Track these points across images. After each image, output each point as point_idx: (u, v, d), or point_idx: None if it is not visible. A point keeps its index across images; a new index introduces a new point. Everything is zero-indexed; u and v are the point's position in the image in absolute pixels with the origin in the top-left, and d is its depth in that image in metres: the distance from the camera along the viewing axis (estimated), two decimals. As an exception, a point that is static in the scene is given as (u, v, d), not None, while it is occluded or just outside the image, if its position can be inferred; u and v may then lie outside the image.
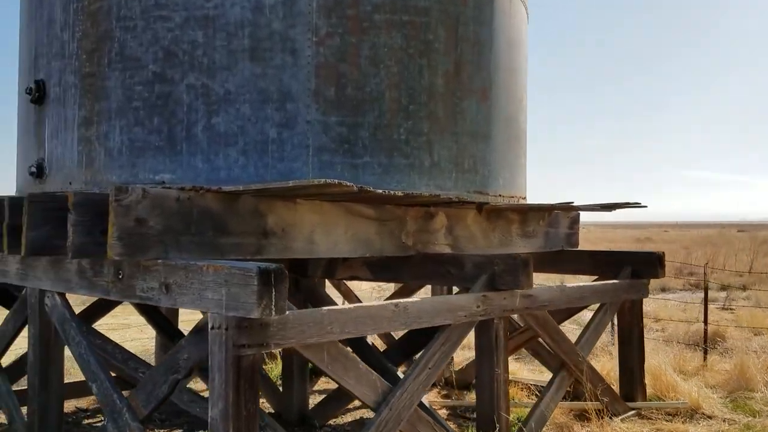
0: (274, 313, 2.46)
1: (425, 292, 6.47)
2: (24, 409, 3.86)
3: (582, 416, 4.87)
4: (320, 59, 3.40)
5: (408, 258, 4.18)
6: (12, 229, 3.51)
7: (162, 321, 5.02)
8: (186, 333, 4.28)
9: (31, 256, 3.28)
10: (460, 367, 6.50)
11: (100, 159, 3.53)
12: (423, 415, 3.51)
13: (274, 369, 6.33)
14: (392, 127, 3.56)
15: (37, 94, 3.75)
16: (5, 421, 4.54)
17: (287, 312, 2.63)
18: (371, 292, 12.34)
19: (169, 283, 2.82)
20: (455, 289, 5.03)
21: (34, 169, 3.76)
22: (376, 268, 4.45)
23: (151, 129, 3.41)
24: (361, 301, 5.84)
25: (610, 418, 4.78)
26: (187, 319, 6.64)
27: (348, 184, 2.69)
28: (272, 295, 2.46)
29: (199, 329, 2.86)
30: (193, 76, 3.36)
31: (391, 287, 9.85)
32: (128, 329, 8.82)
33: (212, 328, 2.62)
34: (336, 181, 2.68)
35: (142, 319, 5.59)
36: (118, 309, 5.74)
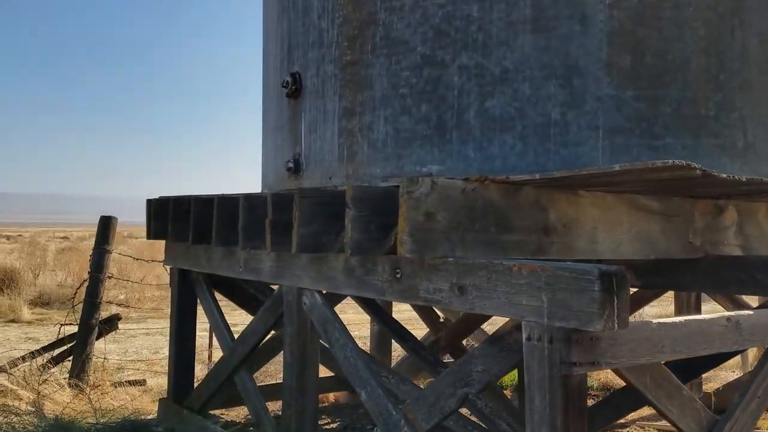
0: (617, 326, 2.01)
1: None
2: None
3: None
4: (614, 24, 2.91)
5: (689, 261, 3.54)
6: (274, 226, 3.44)
7: (380, 312, 4.84)
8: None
9: (301, 253, 3.13)
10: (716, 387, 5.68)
11: (362, 152, 3.33)
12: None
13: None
14: (699, 101, 2.97)
15: (293, 87, 3.65)
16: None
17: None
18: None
19: (464, 285, 2.48)
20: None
21: (291, 165, 3.66)
22: (645, 273, 3.86)
23: (419, 117, 3.14)
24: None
25: None
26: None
27: (693, 165, 2.17)
28: (614, 305, 2.01)
29: (499, 338, 2.49)
30: (466, 56, 3.03)
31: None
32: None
33: (528, 339, 2.23)
34: (677, 161, 2.17)
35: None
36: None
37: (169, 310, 5.30)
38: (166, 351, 10.00)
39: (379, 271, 2.94)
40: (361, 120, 3.32)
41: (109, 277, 6.05)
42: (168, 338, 5.17)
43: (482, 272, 2.40)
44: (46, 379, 5.55)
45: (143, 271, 18.90)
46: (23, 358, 5.98)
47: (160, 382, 7.46)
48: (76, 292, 5.97)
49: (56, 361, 6.00)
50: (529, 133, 2.94)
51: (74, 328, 6.07)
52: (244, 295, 5.30)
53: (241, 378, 4.24)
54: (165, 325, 12.44)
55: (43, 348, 6.18)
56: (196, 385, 4.98)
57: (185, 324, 5.06)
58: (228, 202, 4.01)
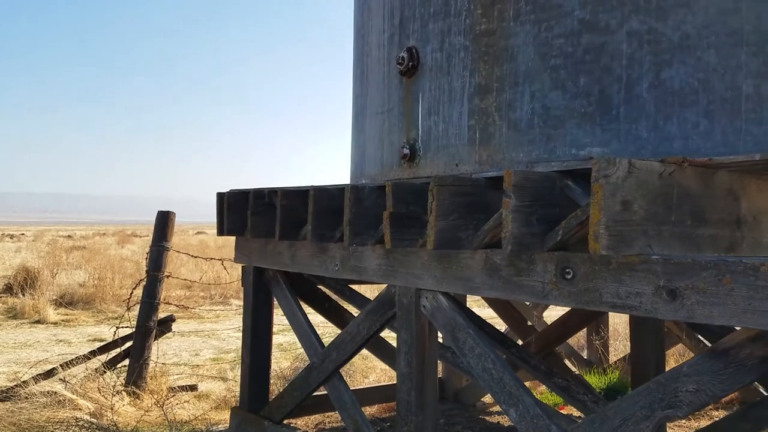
0: None
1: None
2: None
3: None
4: (821, -19, 2.47)
5: None
6: (395, 220, 3.03)
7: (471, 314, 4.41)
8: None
9: (439, 249, 2.72)
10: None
11: (500, 133, 2.90)
12: None
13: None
14: None
15: (410, 64, 3.24)
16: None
17: None
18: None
19: (677, 288, 2.05)
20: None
21: (407, 151, 3.24)
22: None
23: (576, 92, 2.71)
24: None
25: None
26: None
27: None
28: None
29: (723, 352, 2.06)
30: (636, 20, 2.60)
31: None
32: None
33: (787, 355, 1.80)
34: None
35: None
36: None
37: (199, 310, 4.93)
38: (206, 353, 9.71)
39: (539, 270, 2.52)
40: (499, 97, 2.90)
41: (167, 276, 5.67)
42: (241, 343, 4.77)
43: (708, 272, 1.97)
44: (102, 387, 5.18)
45: (169, 269, 18.55)
46: (74, 362, 5.63)
47: (211, 387, 7.10)
48: (132, 293, 5.59)
49: (110, 365, 5.64)
50: (716, 108, 2.51)
51: (105, 330, 5.71)
52: (316, 295, 4.91)
53: (335, 387, 3.84)
54: (196, 326, 12.19)
55: (93, 351, 5.82)
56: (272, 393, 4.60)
57: (261, 327, 4.67)
58: (324, 194, 3.61)
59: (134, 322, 5.57)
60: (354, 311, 5.42)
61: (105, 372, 5.45)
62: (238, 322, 12.50)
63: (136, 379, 5.37)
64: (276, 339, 9.32)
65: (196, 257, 6.54)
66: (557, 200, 2.49)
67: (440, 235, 2.68)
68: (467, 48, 3.01)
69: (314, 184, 3.81)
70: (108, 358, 5.59)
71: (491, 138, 2.92)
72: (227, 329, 11.74)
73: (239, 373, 8.23)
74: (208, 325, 12.17)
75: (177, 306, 6.41)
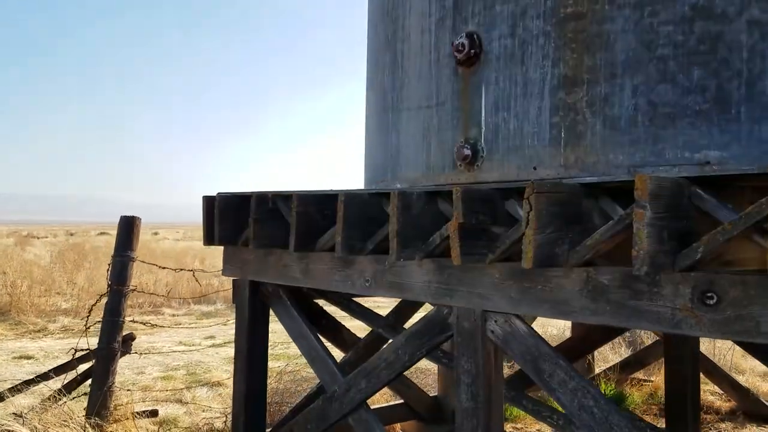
0: None
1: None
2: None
3: None
4: None
5: None
6: (465, 231, 2.60)
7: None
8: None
9: (539, 267, 2.31)
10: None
11: (593, 132, 2.53)
12: None
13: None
14: None
15: (471, 52, 2.81)
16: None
17: None
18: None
19: None
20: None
21: (467, 152, 2.82)
22: None
23: (688, 87, 2.37)
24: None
25: None
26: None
27: None
28: None
29: None
30: (757, 8, 2.29)
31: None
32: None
33: None
34: None
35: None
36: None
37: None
38: (152, 371, 8.89)
39: (667, 294, 2.15)
40: (591, 91, 2.52)
41: (133, 290, 4.99)
42: (234, 368, 4.19)
43: None
44: (63, 420, 4.46)
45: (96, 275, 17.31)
46: (25, 385, 4.87)
47: (171, 412, 6.42)
48: (90, 310, 4.88)
49: (66, 390, 4.91)
50: None
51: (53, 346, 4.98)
52: (312, 310, 4.41)
53: (363, 421, 3.36)
54: (144, 340, 11.28)
55: (43, 375, 5.05)
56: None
57: (257, 350, 4.12)
58: (356, 199, 3.13)
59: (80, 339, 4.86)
60: (357, 328, 4.96)
61: (61, 399, 4.72)
62: (177, 334, 11.66)
63: (99, 408, 4.67)
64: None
65: (164, 268, 5.83)
66: (686, 212, 2.14)
67: (539, 251, 2.28)
68: (548, 34, 2.61)
69: (344, 188, 3.32)
70: (64, 383, 4.86)
71: (581, 138, 2.54)
72: (167, 342, 10.91)
73: (198, 394, 7.56)
74: (143, 338, 11.26)
75: (143, 324, 5.68)
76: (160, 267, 5.74)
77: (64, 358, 9.76)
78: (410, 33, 3.22)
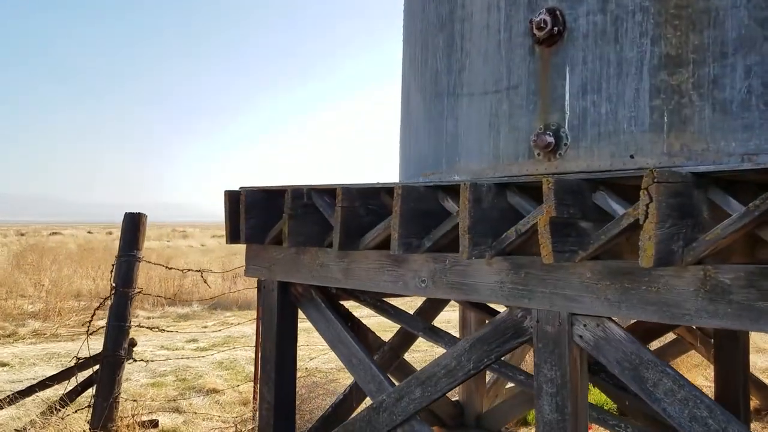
0: None
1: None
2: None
3: None
4: None
5: None
6: (555, 227, 2.35)
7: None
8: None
9: (659, 266, 2.07)
10: None
11: (701, 117, 2.30)
12: None
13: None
14: None
15: (555, 29, 2.56)
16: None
17: None
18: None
19: None
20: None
21: (550, 139, 2.56)
22: None
23: (813, 65, 2.16)
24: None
25: None
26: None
27: None
28: None
29: None
30: None
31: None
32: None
33: None
34: None
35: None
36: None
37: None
38: (139, 378, 8.45)
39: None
40: (698, 71, 2.30)
41: (138, 293, 4.63)
42: (260, 376, 3.87)
43: None
44: (66, 434, 4.09)
45: (77, 284, 16.68)
46: (18, 396, 4.47)
47: (169, 422, 6.06)
48: (93, 315, 4.50)
49: (69, 399, 4.53)
50: None
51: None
52: (339, 312, 4.12)
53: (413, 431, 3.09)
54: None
55: (41, 383, 4.66)
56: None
57: (287, 356, 3.82)
58: (413, 193, 2.86)
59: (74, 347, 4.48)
60: (383, 328, 4.68)
61: (63, 410, 4.34)
62: (156, 337, 11.19)
63: (105, 421, 4.30)
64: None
65: (171, 269, 5.45)
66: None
67: (659, 248, 2.04)
68: (647, 9, 2.38)
69: (400, 182, 3.06)
70: (66, 391, 4.48)
71: (687, 123, 2.32)
72: (147, 347, 10.45)
73: (195, 402, 7.17)
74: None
75: (149, 328, 5.30)
76: (167, 268, 5.35)
77: (43, 366, 9.27)
78: (473, 12, 2.95)
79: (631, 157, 2.42)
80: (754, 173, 2.07)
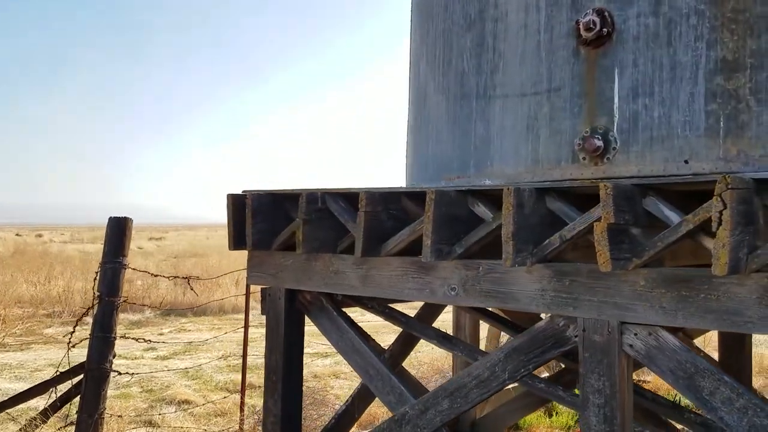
0: None
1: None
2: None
3: None
4: None
5: None
6: (613, 234, 2.28)
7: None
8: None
9: (730, 275, 2.03)
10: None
11: (758, 123, 2.28)
12: None
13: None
14: None
15: (604, 30, 2.50)
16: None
17: None
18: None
19: None
20: None
21: (599, 143, 2.50)
22: None
23: None
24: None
25: None
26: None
27: None
28: None
29: None
30: None
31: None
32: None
33: None
34: None
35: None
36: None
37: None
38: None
39: None
40: (756, 77, 2.28)
41: (124, 301, 4.37)
42: (264, 387, 3.68)
43: None
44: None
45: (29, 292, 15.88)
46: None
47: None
48: (77, 323, 4.22)
49: (50, 412, 4.23)
50: None
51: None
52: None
53: (443, 446, 2.98)
54: (77, 353, 10.29)
55: (17, 396, 4.34)
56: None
57: (294, 366, 3.65)
58: (444, 198, 2.76)
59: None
60: (381, 333, 4.56)
61: (40, 428, 4.05)
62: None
63: (89, 441, 4.03)
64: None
65: (156, 276, 5.17)
66: None
67: (732, 256, 2.00)
68: (702, 13, 2.35)
69: (433, 186, 2.94)
70: (47, 403, 4.18)
71: (744, 128, 2.29)
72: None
73: (167, 414, 6.85)
74: (75, 351, 10.31)
75: (136, 339, 5.01)
76: (153, 275, 5.07)
77: (3, 379, 8.73)
78: (507, 11, 2.87)
79: (686, 162, 2.39)
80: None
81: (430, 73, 3.41)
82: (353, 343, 3.41)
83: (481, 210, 2.84)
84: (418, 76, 3.58)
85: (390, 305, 3.91)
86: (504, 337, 7.62)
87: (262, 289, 3.78)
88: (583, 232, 2.46)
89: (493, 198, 2.82)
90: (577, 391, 2.98)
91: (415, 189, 2.98)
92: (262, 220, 3.54)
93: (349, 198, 3.30)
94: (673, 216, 2.31)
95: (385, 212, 3.13)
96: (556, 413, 6.17)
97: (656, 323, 2.36)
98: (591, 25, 2.51)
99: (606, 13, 2.53)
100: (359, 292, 3.27)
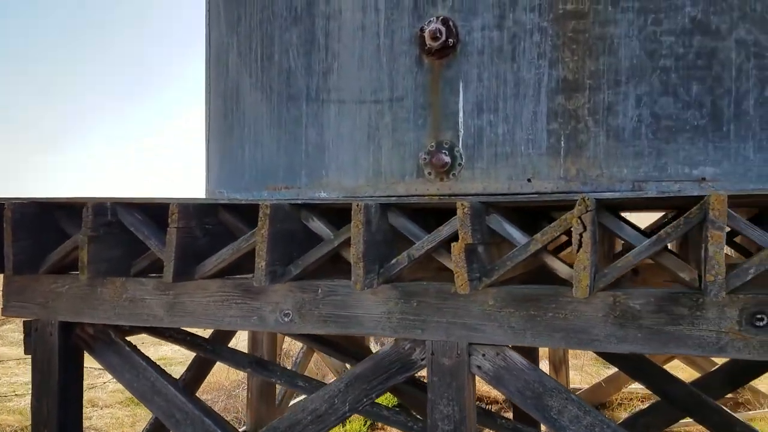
0: None
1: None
2: None
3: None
4: None
5: None
6: (468, 254, 2.16)
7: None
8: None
9: (576, 296, 2.02)
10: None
11: (596, 144, 2.34)
12: None
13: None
14: None
15: (449, 41, 2.38)
16: None
17: None
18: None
19: None
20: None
21: (447, 158, 2.38)
22: None
23: (688, 101, 2.34)
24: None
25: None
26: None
27: None
28: None
29: None
30: (743, 28, 2.37)
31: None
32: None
33: None
34: None
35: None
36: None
37: None
38: None
39: (711, 317, 2.07)
40: (594, 98, 2.34)
41: None
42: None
43: None
44: None
45: None
46: None
47: None
48: None
49: None
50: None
51: None
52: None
53: (271, 493, 2.63)
54: None
55: None
56: None
57: (69, 417, 2.98)
58: (279, 212, 2.44)
59: None
60: (174, 361, 3.97)
61: None
62: None
63: None
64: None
65: None
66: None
67: (592, 278, 2.00)
68: (545, 30, 2.34)
69: (255, 197, 2.55)
70: None
71: (583, 148, 2.34)
72: None
73: None
74: None
75: None
76: None
77: None
78: (341, 8, 2.61)
79: (529, 180, 2.37)
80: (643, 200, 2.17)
81: (243, 66, 3.01)
82: (154, 384, 2.87)
83: (316, 225, 2.55)
84: (227, 70, 3.15)
85: (190, 330, 3.42)
86: (288, 341, 7.30)
87: (25, 322, 3.03)
88: (432, 250, 2.32)
89: (330, 212, 2.56)
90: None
91: (240, 201, 2.58)
92: (26, 236, 2.82)
93: (147, 209, 2.77)
94: (515, 234, 2.28)
95: (199, 227, 2.68)
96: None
97: (505, 343, 2.31)
98: (437, 34, 2.37)
99: (451, 23, 2.41)
100: (165, 323, 2.75)
